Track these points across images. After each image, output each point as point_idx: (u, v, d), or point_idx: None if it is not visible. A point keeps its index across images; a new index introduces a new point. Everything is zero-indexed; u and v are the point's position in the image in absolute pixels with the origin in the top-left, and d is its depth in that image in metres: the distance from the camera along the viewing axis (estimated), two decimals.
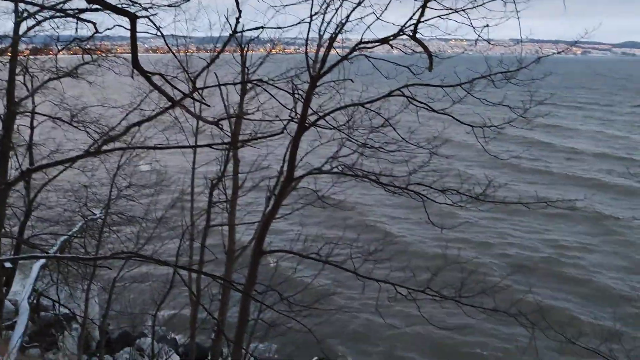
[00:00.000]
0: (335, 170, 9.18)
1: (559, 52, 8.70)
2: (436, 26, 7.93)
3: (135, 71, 6.13)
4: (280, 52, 12.73)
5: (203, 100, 7.43)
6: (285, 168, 9.31)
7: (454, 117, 8.76)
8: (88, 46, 15.34)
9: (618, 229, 28.60)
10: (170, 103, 7.04)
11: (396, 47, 8.17)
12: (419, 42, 6.89)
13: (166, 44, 6.56)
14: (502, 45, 8.37)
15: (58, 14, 12.76)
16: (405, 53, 8.38)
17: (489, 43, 8.44)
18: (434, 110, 8.64)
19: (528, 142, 47.39)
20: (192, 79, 7.33)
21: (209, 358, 14.21)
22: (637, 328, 15.12)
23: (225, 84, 7.92)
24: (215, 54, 7.79)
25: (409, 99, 8.45)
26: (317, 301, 10.29)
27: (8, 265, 15.55)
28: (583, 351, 7.95)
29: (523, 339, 9.04)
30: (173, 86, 7.09)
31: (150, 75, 6.43)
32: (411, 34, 6.68)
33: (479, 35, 7.62)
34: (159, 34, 7.62)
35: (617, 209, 31.71)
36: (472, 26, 7.56)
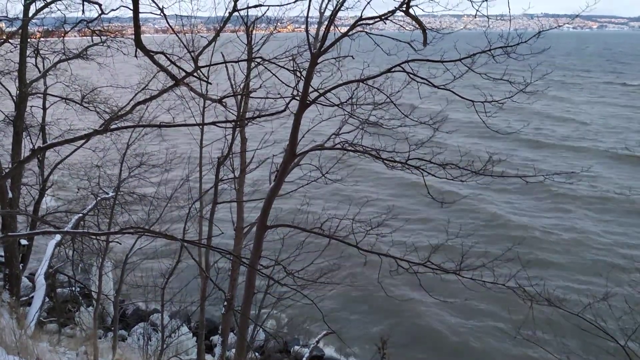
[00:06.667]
0: (337, 146, 9.33)
1: (559, 26, 8.70)
2: (436, 1, 7.99)
3: (139, 51, 6.33)
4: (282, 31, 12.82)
5: (205, 78, 7.62)
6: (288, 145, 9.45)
7: (454, 93, 8.80)
8: (97, 28, 15.55)
9: (616, 201, 28.96)
10: (174, 82, 7.23)
11: (396, 23, 8.23)
12: (413, 18, 6.96)
13: (167, 22, 6.71)
14: (502, 20, 8.36)
15: None
16: (406, 29, 8.44)
17: (502, 19, 8.47)
18: (434, 86, 8.69)
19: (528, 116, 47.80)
20: (194, 57, 7.50)
21: (220, 332, 14.59)
22: (630, 297, 15.47)
23: (226, 62, 8.06)
24: (217, 33, 7.92)
25: (410, 74, 8.52)
26: (322, 275, 10.53)
27: (24, 242, 16.04)
28: (582, 323, 8.10)
29: (521, 311, 9.27)
30: (176, 65, 7.27)
31: (153, 54, 6.62)
32: (404, 9, 6.73)
33: (477, 10, 7.65)
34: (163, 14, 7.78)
35: (614, 181, 31.87)
36: (471, 0, 7.61)
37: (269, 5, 9.32)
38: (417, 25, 7.10)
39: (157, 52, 6.60)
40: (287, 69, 8.49)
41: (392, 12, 7.24)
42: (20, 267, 16.05)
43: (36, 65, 16.83)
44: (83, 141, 13.80)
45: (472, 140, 38.85)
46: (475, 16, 7.75)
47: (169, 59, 6.90)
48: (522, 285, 8.42)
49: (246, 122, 11.16)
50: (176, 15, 10.24)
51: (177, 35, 7.71)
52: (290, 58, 9.16)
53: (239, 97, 11.95)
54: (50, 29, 16.92)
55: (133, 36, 5.86)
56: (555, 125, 49.15)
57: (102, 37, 15.99)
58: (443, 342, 17.25)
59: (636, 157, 37.07)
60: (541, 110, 52.93)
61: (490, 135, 39.20)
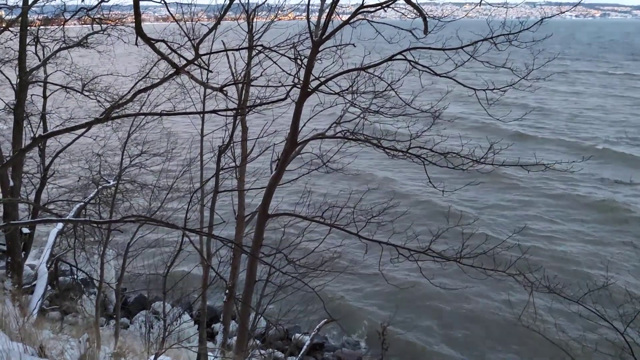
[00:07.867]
0: (338, 135, 9.33)
1: (561, 13, 8.66)
2: None
3: (139, 38, 6.30)
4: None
5: (206, 67, 7.60)
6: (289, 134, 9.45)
7: (456, 80, 8.79)
8: (97, 16, 15.46)
9: (616, 192, 28.87)
10: (174, 70, 7.21)
11: (397, 11, 8.20)
12: (413, 5, 6.93)
13: (168, 10, 6.65)
14: (504, 7, 8.32)
15: None
16: (407, 17, 8.40)
17: (504, 7, 8.44)
18: (436, 74, 8.68)
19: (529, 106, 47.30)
20: (195, 45, 7.46)
21: (221, 320, 14.68)
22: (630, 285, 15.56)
23: (227, 50, 8.03)
24: (217, 21, 7.88)
25: (411, 62, 8.50)
26: (323, 264, 10.58)
27: (25, 230, 16.09)
28: (582, 311, 8.15)
29: (521, 298, 9.33)
30: (177, 53, 7.24)
31: (154, 42, 6.59)
32: None
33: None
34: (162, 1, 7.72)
35: (615, 173, 31.78)
36: None
37: None
38: (417, 13, 7.06)
39: (157, 40, 6.56)
40: (288, 57, 8.46)
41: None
42: (22, 256, 16.11)
43: (36, 54, 16.77)
44: (84, 130, 13.86)
45: (468, 135, 38.77)
46: (480, 4, 7.71)
47: (169, 47, 6.86)
48: (523, 272, 8.47)
49: (247, 110, 11.14)
50: (177, 2, 10.19)
51: (177, 23, 7.67)
52: (291, 46, 9.13)
53: (240, 85, 11.92)
54: (50, 17, 16.82)
55: (133, 24, 5.83)
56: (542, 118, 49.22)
57: (102, 25, 15.91)
58: (443, 329, 17.35)
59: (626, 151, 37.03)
60: (530, 103, 52.51)
61: (476, 128, 39.19)
